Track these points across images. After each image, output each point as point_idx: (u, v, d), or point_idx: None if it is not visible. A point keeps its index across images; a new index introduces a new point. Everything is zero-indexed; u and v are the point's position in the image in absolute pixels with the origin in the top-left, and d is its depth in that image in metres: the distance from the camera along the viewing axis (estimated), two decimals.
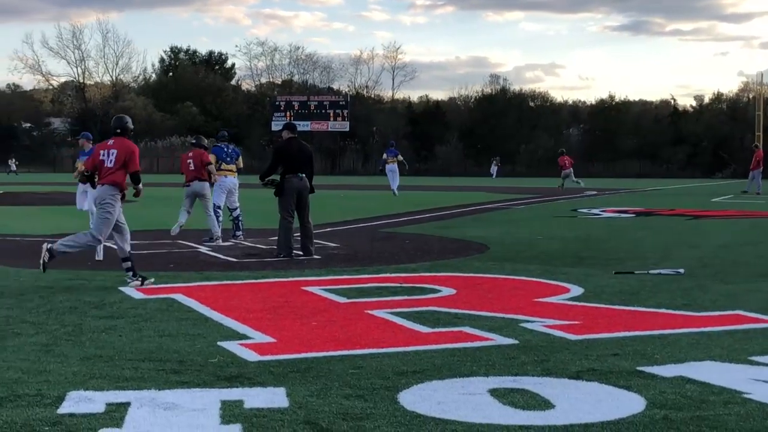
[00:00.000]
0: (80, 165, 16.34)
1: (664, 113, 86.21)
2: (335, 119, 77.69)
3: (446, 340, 7.07)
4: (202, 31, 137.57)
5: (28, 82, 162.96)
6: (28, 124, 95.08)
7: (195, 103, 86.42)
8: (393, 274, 11.06)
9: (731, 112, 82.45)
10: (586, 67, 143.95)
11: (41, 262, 10.15)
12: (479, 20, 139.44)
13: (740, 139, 71.73)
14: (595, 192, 39.30)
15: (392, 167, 34.47)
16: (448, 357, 6.46)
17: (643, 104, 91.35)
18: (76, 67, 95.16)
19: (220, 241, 15.29)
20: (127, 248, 10.42)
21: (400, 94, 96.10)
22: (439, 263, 12.49)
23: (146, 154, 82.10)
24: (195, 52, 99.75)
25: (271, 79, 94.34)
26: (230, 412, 4.98)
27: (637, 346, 6.82)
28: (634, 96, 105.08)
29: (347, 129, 78.22)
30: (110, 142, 10.60)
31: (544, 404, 5.19)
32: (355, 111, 79.90)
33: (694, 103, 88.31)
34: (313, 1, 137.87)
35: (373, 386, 5.57)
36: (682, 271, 11.15)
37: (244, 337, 7.21)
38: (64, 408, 5.02)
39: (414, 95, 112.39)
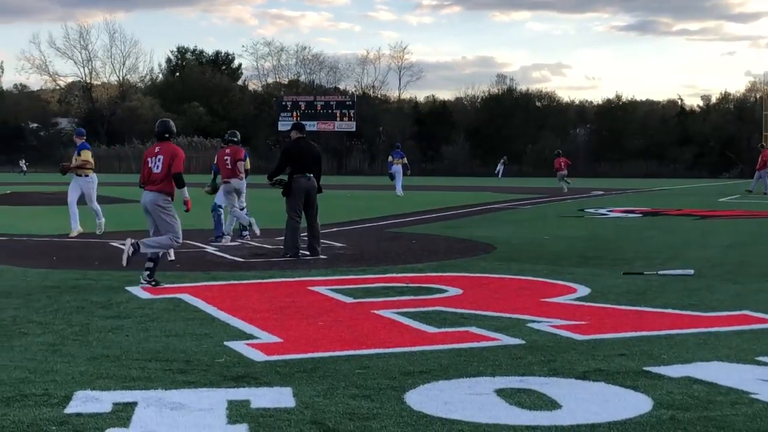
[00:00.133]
0: (76, 159, 16.35)
1: (671, 113, 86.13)
2: (342, 119, 77.74)
3: (453, 340, 7.07)
4: (208, 31, 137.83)
5: (35, 82, 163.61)
6: (36, 125, 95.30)
7: (202, 104, 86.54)
8: (399, 274, 11.06)
9: (738, 111, 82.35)
10: (592, 67, 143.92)
11: (125, 256, 10.11)
12: (486, 20, 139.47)
13: (747, 139, 71.65)
14: (602, 192, 39.29)
15: (397, 168, 34.61)
16: (454, 357, 6.46)
17: (650, 104, 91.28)
18: (83, 67, 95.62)
19: (256, 229, 15.43)
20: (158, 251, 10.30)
21: (406, 94, 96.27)
22: (445, 263, 12.48)
23: None
24: (202, 52, 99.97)
25: (278, 79, 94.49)
26: (237, 412, 4.99)
27: (644, 347, 6.81)
28: (640, 96, 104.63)
29: (354, 129, 78.25)
30: (156, 148, 10.57)
31: (551, 404, 5.18)
32: (361, 111, 79.93)
33: (701, 103, 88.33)
34: (319, 1, 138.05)
35: (380, 386, 5.57)
36: (691, 272, 11.09)
37: (251, 337, 7.21)
38: (71, 408, 5.03)
39: (420, 95, 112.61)
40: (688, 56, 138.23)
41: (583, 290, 9.75)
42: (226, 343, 6.94)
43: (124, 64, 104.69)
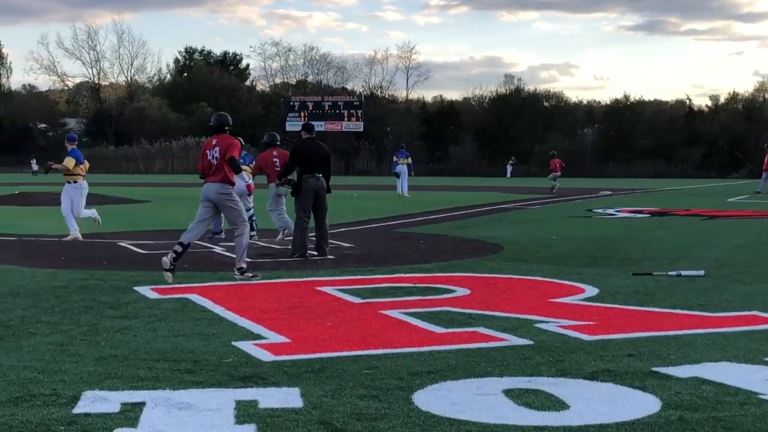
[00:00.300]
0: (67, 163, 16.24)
1: (679, 113, 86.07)
2: (349, 119, 77.77)
3: (461, 340, 7.06)
4: (216, 31, 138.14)
5: (44, 82, 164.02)
6: (44, 125, 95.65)
7: (209, 104, 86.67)
8: (407, 275, 11.05)
9: (747, 112, 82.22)
10: (600, 66, 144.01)
11: (239, 270, 10.76)
12: (493, 20, 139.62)
13: (756, 139, 71.52)
14: (610, 192, 39.25)
15: (402, 168, 34.68)
16: (462, 357, 6.45)
17: (658, 104, 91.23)
18: (91, 68, 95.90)
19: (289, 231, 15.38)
20: (189, 240, 10.85)
21: (414, 95, 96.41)
22: (453, 263, 12.47)
23: (161, 154, 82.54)
24: (209, 52, 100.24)
25: (286, 80, 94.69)
26: (245, 412, 4.99)
27: (653, 347, 6.79)
28: (648, 96, 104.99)
29: (361, 129, 78.29)
30: (214, 141, 11.00)
31: (559, 405, 5.17)
32: (369, 111, 79.97)
33: (709, 103, 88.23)
34: (326, 1, 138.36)
35: (388, 386, 5.57)
36: (702, 272, 11.05)
37: (259, 337, 7.21)
38: (80, 408, 5.04)
39: (428, 95, 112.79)
40: (697, 56, 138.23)
41: (592, 290, 9.73)
42: (233, 343, 6.95)
43: (132, 65, 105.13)
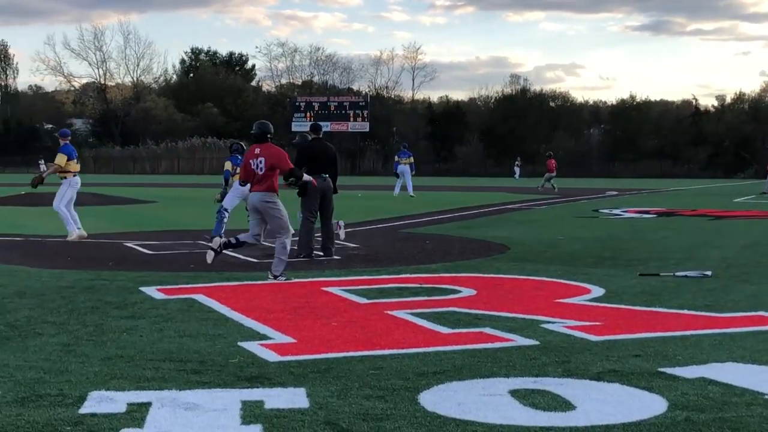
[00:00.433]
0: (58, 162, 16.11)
1: (686, 113, 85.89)
2: (355, 120, 77.71)
3: (467, 340, 7.06)
4: (222, 32, 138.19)
5: (50, 83, 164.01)
6: (50, 126, 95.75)
7: (215, 104, 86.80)
8: (413, 275, 11.05)
9: (753, 112, 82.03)
10: (606, 67, 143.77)
11: (274, 274, 10.72)
12: (499, 20, 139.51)
13: (762, 139, 71.47)
14: (616, 192, 39.21)
15: (404, 168, 34.68)
16: (468, 358, 6.45)
17: (664, 104, 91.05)
18: (98, 69, 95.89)
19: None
20: (246, 239, 11.08)
21: (420, 95, 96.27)
22: (459, 264, 12.47)
23: (167, 155, 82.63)
24: (215, 53, 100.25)
25: (292, 80, 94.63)
26: (251, 412, 4.99)
27: (659, 347, 6.78)
28: (655, 96, 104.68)
29: (367, 129, 78.24)
30: (257, 150, 10.94)
31: (566, 405, 5.16)
32: (375, 111, 79.93)
33: (715, 103, 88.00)
34: (332, 1, 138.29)
35: (394, 387, 5.56)
36: (709, 273, 11.01)
37: (265, 337, 7.21)
38: (86, 408, 5.04)
39: (434, 95, 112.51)
40: (703, 56, 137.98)
41: (598, 291, 9.72)
42: (239, 343, 6.95)
43: (138, 65, 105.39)
